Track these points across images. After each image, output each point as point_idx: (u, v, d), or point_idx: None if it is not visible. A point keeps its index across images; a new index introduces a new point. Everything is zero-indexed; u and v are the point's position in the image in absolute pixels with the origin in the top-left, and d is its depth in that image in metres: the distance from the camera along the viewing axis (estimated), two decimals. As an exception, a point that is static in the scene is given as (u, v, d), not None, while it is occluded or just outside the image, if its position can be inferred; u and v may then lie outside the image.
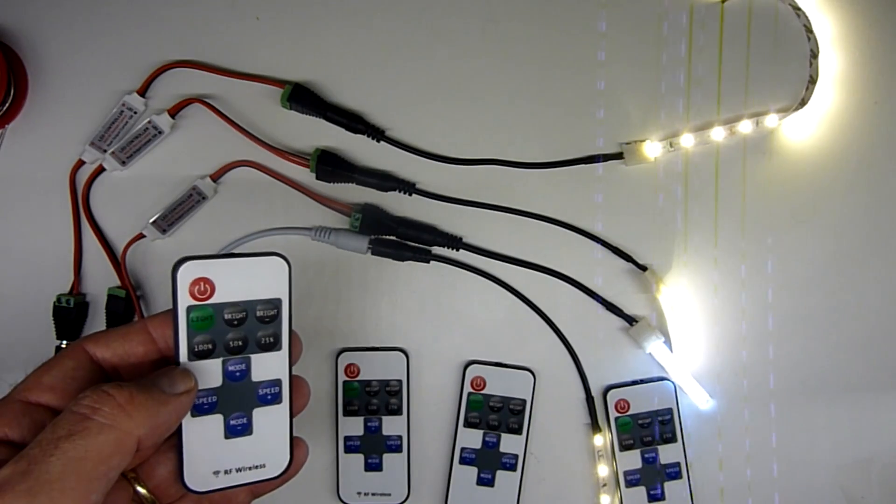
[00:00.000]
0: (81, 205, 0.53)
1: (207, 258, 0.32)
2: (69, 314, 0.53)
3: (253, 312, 0.33)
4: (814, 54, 0.55)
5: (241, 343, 0.33)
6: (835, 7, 0.56)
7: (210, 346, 0.33)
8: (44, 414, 0.30)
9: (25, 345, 0.54)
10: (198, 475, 0.33)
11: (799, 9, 0.55)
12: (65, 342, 0.53)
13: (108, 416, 0.28)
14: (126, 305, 0.53)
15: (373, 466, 0.54)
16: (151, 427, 0.29)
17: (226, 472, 0.33)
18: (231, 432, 0.33)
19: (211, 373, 0.33)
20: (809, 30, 0.55)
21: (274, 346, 0.34)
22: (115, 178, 0.54)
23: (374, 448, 0.54)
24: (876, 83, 0.56)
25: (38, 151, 0.54)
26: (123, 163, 0.53)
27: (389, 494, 0.54)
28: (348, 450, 0.54)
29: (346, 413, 0.54)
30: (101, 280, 0.54)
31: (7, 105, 0.52)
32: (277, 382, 0.34)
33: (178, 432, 0.32)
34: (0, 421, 0.29)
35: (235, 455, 0.33)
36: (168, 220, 0.53)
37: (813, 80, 0.55)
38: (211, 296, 0.32)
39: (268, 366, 0.34)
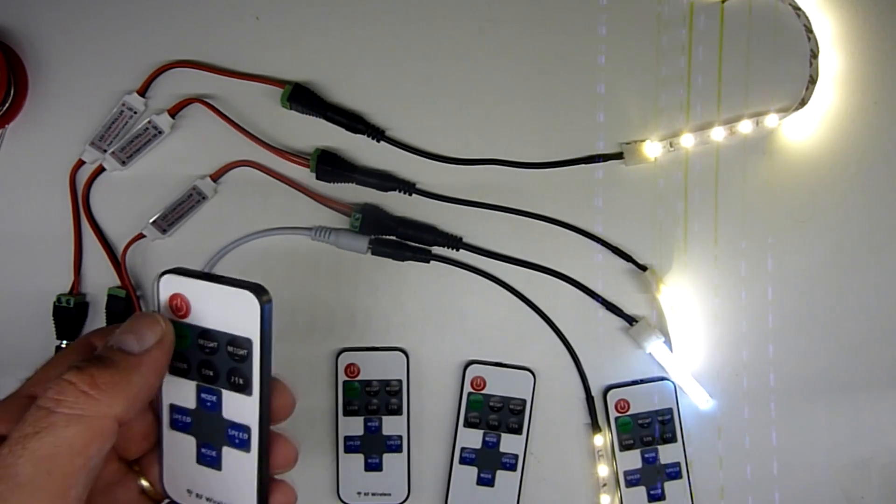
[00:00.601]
0: (81, 205, 0.53)
1: (186, 275, 0.30)
2: (69, 314, 0.53)
3: (224, 346, 0.30)
4: (814, 54, 0.55)
5: (211, 373, 0.31)
6: (835, 7, 0.56)
7: (185, 366, 0.31)
8: None
9: (25, 345, 0.54)
10: (174, 486, 0.32)
11: (799, 9, 0.55)
12: (65, 342, 0.53)
13: (74, 405, 0.26)
14: (126, 305, 0.53)
15: (373, 466, 0.54)
16: (127, 400, 0.27)
17: (198, 495, 0.32)
18: (202, 460, 0.32)
19: (187, 392, 0.31)
20: (809, 30, 0.55)
21: (243, 388, 0.30)
22: (115, 178, 0.54)
23: (374, 448, 0.54)
24: (876, 83, 0.56)
25: (38, 151, 0.54)
26: (123, 163, 0.53)
27: (389, 494, 0.54)
28: (348, 450, 0.54)
29: (346, 413, 0.54)
30: (101, 280, 0.54)
31: (7, 105, 0.52)
32: (246, 429, 0.31)
33: (160, 438, 0.32)
34: (7, 417, 0.29)
35: (206, 484, 0.32)
36: (168, 220, 0.53)
37: (813, 80, 0.55)
38: (186, 315, 0.30)
39: (237, 408, 0.31)
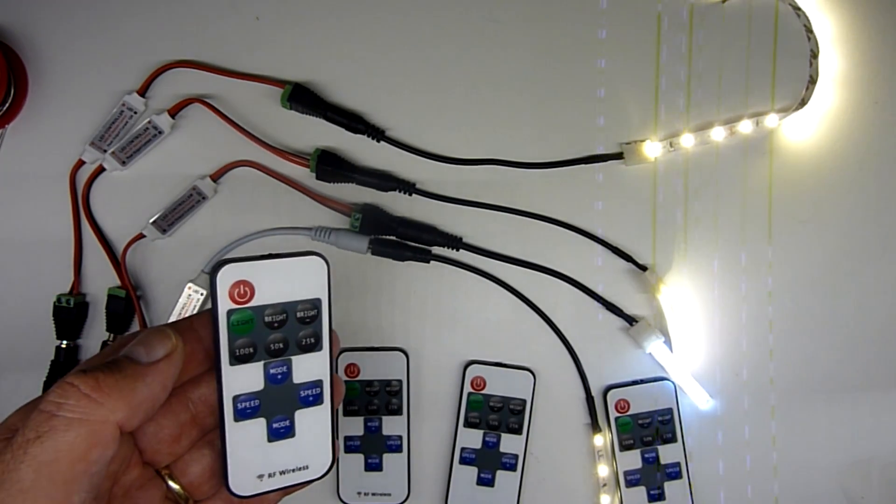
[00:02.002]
0: (81, 205, 0.53)
1: (246, 260, 0.31)
2: (69, 314, 0.53)
3: (293, 314, 0.33)
4: (814, 54, 0.55)
5: (281, 345, 0.33)
6: (835, 7, 0.56)
7: (251, 350, 0.32)
8: None
9: (25, 345, 0.54)
10: (242, 480, 0.32)
11: (799, 9, 0.55)
12: (65, 342, 0.53)
13: (75, 409, 0.26)
14: (126, 305, 0.53)
15: (373, 466, 0.54)
16: (130, 408, 0.27)
17: (269, 475, 0.33)
18: (274, 435, 0.33)
19: (252, 377, 0.32)
20: (809, 30, 0.55)
21: (315, 346, 0.33)
22: (115, 178, 0.54)
23: (374, 448, 0.54)
24: (876, 83, 0.56)
25: (38, 151, 0.54)
26: (123, 163, 0.53)
27: (389, 494, 0.54)
28: (348, 450, 0.54)
29: (347, 413, 0.54)
30: (101, 280, 0.54)
31: (7, 105, 0.52)
32: (319, 383, 0.34)
33: (222, 437, 0.32)
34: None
35: (279, 457, 0.33)
36: (168, 220, 0.53)
37: (813, 80, 0.55)
38: (251, 299, 0.31)
39: (309, 367, 0.33)
